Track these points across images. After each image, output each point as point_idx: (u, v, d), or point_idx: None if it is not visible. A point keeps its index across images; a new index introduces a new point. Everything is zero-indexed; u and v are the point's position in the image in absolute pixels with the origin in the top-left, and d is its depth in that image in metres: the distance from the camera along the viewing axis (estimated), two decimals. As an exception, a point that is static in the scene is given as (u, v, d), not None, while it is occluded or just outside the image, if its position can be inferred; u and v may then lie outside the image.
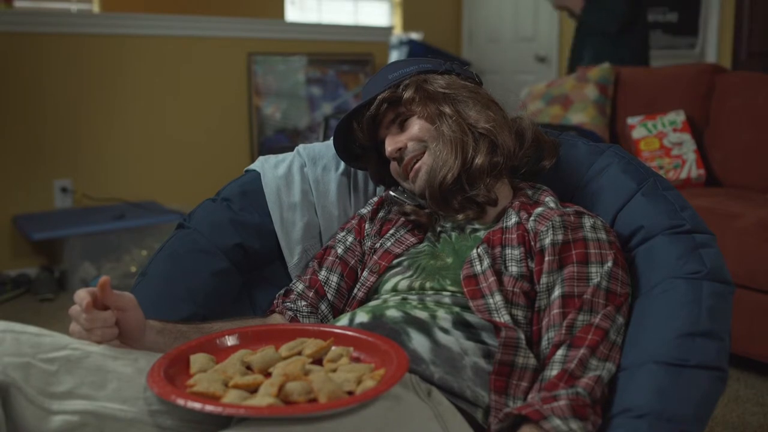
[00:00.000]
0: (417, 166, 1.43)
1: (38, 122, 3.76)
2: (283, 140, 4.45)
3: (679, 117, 3.38)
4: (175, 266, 1.52)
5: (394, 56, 5.22)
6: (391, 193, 1.52)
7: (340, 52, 4.63)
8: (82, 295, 1.10)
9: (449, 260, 1.38)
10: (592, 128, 3.60)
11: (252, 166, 1.71)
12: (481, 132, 1.41)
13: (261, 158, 1.73)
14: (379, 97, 1.46)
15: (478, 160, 1.38)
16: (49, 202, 3.81)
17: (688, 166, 3.26)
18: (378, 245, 1.48)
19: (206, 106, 4.27)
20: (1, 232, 3.67)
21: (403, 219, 1.49)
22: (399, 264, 1.41)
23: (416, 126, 1.45)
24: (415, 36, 5.56)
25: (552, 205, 1.39)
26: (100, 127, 3.92)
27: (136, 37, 4.02)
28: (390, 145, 1.46)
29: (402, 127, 1.48)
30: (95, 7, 4.50)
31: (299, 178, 1.67)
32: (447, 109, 1.43)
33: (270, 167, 1.68)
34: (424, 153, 1.43)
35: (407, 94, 1.45)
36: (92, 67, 3.90)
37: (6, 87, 3.67)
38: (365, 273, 1.45)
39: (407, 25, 5.98)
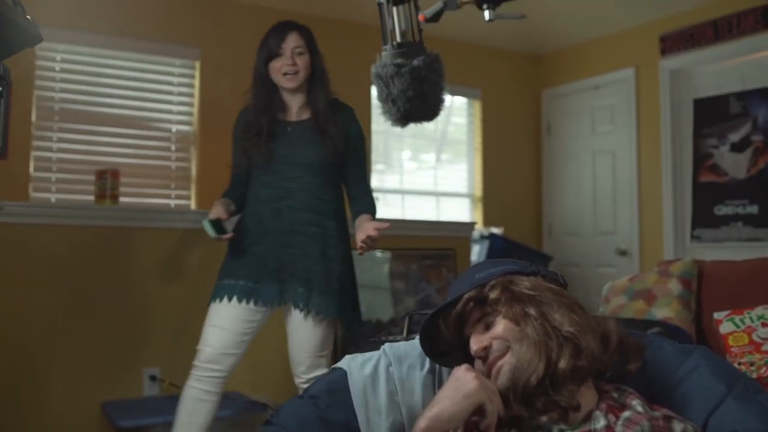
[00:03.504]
0: (499, 364, 1.44)
1: (129, 311, 3.92)
2: (366, 333, 4.50)
3: (767, 311, 3.32)
4: (262, 464, 1.54)
5: (476, 251, 5.30)
6: None
7: (423, 247, 4.74)
8: None
9: (537, 463, 1.36)
10: (678, 323, 3.55)
11: (339, 365, 1.75)
12: (565, 335, 1.42)
13: (348, 357, 1.77)
14: (466, 296, 1.51)
15: (562, 364, 1.39)
16: (137, 390, 3.90)
17: (781, 363, 3.16)
18: (464, 448, 1.47)
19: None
20: (89, 419, 3.76)
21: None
22: (485, 467, 1.40)
23: (501, 326, 1.47)
24: (495, 230, 5.65)
25: (639, 408, 1.37)
26: (189, 316, 4.05)
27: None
28: (475, 344, 1.48)
29: (487, 327, 1.50)
30: (192, 204, 4.76)
31: (385, 378, 1.69)
32: (532, 311, 1.45)
33: (357, 366, 1.72)
34: (507, 353, 1.45)
35: (493, 294, 1.49)
36: (184, 259, 4.09)
37: (101, 277, 3.88)
38: (451, 477, 1.43)
39: (488, 220, 6.10)
